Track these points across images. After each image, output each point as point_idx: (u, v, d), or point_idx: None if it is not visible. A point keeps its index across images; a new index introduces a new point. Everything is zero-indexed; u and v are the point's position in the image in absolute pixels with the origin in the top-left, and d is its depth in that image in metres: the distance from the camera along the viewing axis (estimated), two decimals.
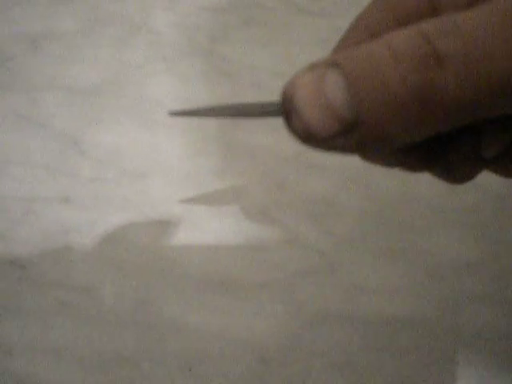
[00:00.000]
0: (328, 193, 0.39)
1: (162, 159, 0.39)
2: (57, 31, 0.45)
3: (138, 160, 0.39)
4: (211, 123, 0.41)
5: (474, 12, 0.17)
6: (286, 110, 0.19)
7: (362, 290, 0.35)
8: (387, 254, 0.36)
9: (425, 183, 0.39)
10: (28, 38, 0.45)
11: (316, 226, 0.37)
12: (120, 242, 0.36)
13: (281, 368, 0.33)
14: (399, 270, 0.36)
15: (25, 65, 0.44)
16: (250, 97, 0.43)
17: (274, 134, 0.40)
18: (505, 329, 0.34)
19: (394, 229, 0.37)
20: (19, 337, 0.33)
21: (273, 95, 0.42)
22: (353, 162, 0.40)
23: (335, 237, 0.37)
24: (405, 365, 0.33)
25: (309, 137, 0.18)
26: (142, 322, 0.34)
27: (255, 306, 0.34)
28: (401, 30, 0.18)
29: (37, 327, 0.33)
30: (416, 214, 0.38)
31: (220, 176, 0.39)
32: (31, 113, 0.41)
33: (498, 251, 0.37)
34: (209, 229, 0.37)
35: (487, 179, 0.40)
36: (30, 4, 0.47)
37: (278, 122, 0.39)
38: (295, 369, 0.33)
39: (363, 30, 0.23)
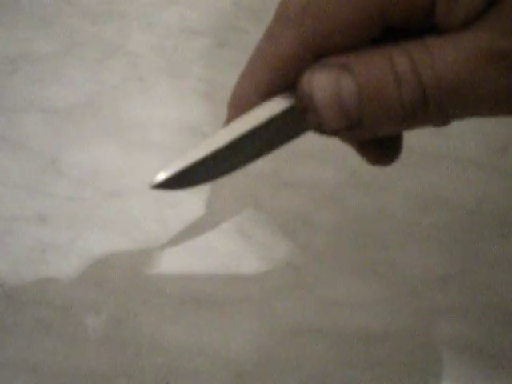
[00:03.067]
0: (303, 209, 0.39)
1: (139, 178, 0.40)
2: (35, 53, 0.46)
3: (115, 179, 0.40)
4: (186, 141, 0.42)
5: (442, 47, 0.21)
6: (303, 105, 0.22)
7: (336, 304, 0.36)
8: (361, 269, 0.37)
9: (398, 200, 0.40)
10: (6, 59, 0.45)
11: (291, 241, 0.38)
12: (97, 260, 0.36)
13: (257, 382, 0.33)
14: (373, 285, 0.37)
15: (3, 86, 0.44)
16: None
17: None
18: (476, 341, 0.35)
19: (368, 244, 0.38)
20: None
21: None
22: (328, 180, 0.40)
23: (310, 252, 0.38)
24: (379, 378, 0.33)
25: (320, 129, 0.23)
26: (118, 339, 0.34)
27: (231, 321, 0.35)
28: (398, 49, 0.22)
29: (14, 344, 0.33)
30: (389, 230, 0.39)
31: (196, 194, 0.39)
32: (9, 133, 0.41)
33: (468, 266, 0.38)
34: (185, 246, 0.37)
35: (458, 198, 0.40)
36: (9, 26, 0.47)
37: None
38: (271, 383, 0.33)
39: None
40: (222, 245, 0.37)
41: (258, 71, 0.25)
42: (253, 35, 0.48)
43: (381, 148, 0.26)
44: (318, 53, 0.23)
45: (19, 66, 0.45)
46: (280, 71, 0.24)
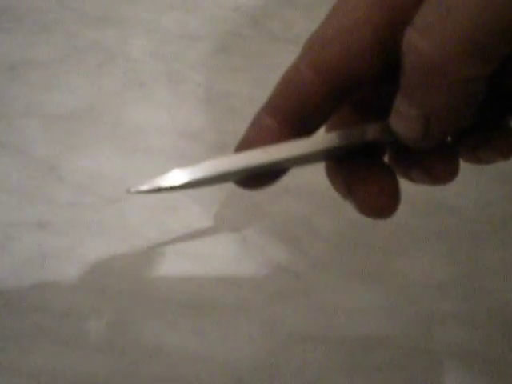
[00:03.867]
0: (303, 216, 0.39)
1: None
2: (35, 59, 0.46)
3: (115, 185, 0.40)
4: (186, 147, 0.42)
5: None
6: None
7: (336, 310, 0.36)
8: (361, 276, 0.37)
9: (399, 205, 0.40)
10: (6, 65, 0.45)
11: (291, 248, 0.38)
12: (97, 266, 0.37)
13: None
14: (373, 291, 0.37)
15: (3, 92, 0.44)
16: (226, 122, 0.43)
17: None
18: (475, 348, 0.35)
19: (368, 250, 0.38)
20: None
21: (249, 120, 0.42)
22: (328, 185, 0.40)
23: (310, 259, 0.38)
24: None
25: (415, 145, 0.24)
26: (119, 346, 0.34)
27: (231, 327, 0.35)
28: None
29: (14, 351, 0.33)
30: (389, 236, 0.39)
31: (196, 200, 0.39)
32: (9, 139, 0.41)
33: (468, 272, 0.38)
34: (185, 252, 0.37)
35: (459, 203, 0.40)
36: (9, 32, 0.47)
37: None
38: None
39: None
40: (221, 251, 0.37)
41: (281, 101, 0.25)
42: (253, 41, 0.48)
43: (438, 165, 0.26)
44: (334, 84, 0.24)
45: (19, 72, 0.45)
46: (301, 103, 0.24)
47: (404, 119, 0.23)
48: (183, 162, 0.41)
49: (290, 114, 0.24)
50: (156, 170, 0.40)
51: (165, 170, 0.41)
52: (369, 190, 0.25)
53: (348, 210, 0.40)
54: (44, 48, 0.47)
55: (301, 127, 0.25)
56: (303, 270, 0.37)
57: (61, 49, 0.47)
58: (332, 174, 0.27)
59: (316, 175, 0.40)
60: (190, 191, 0.40)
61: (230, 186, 0.40)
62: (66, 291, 0.35)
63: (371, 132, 0.24)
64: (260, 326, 0.35)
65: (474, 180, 0.42)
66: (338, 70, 0.23)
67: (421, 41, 0.21)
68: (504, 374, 0.34)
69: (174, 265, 0.37)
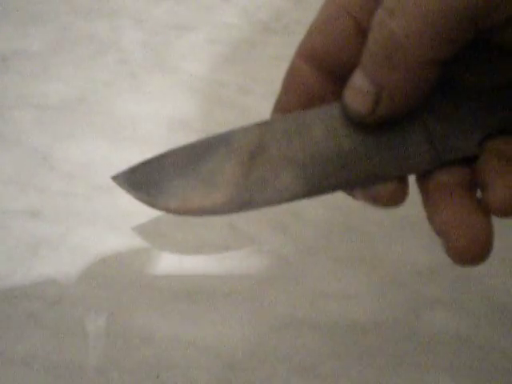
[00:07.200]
0: (293, 203, 0.40)
1: None
2: (27, 50, 0.46)
3: (107, 174, 0.40)
4: (177, 136, 0.42)
5: None
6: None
7: (325, 296, 0.36)
8: (350, 262, 0.37)
9: None
10: None
11: (281, 235, 0.38)
12: (89, 254, 0.37)
13: (247, 373, 0.33)
14: (361, 277, 0.37)
15: None
16: (216, 111, 0.44)
17: None
18: (461, 332, 0.35)
19: (356, 237, 0.38)
20: None
21: (239, 110, 0.43)
22: None
23: (299, 245, 0.38)
24: (367, 368, 0.34)
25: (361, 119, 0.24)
26: (111, 332, 0.34)
27: (222, 314, 0.35)
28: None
29: (6, 338, 0.33)
30: (378, 223, 0.39)
31: None
32: (1, 129, 0.42)
33: None
34: (176, 240, 0.38)
35: None
36: (1, 24, 0.47)
37: None
38: (261, 374, 0.33)
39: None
40: (212, 239, 0.38)
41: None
42: (243, 31, 0.48)
43: None
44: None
45: (11, 63, 0.45)
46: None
47: (356, 92, 0.24)
48: None
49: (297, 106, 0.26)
50: None
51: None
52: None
53: (336, 197, 0.40)
54: (36, 39, 0.47)
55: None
56: (293, 257, 0.37)
57: (53, 40, 0.47)
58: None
59: None
60: None
61: None
62: (57, 279, 0.36)
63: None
64: (251, 312, 0.35)
65: None
66: (322, 56, 0.25)
67: (389, 20, 0.22)
68: (491, 358, 0.35)
69: (166, 253, 0.37)
